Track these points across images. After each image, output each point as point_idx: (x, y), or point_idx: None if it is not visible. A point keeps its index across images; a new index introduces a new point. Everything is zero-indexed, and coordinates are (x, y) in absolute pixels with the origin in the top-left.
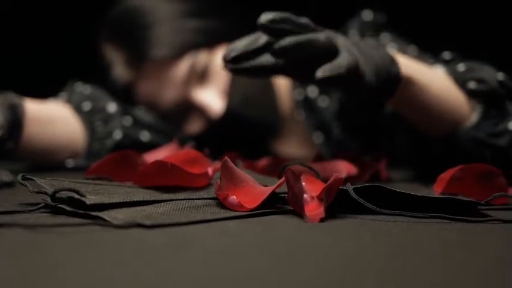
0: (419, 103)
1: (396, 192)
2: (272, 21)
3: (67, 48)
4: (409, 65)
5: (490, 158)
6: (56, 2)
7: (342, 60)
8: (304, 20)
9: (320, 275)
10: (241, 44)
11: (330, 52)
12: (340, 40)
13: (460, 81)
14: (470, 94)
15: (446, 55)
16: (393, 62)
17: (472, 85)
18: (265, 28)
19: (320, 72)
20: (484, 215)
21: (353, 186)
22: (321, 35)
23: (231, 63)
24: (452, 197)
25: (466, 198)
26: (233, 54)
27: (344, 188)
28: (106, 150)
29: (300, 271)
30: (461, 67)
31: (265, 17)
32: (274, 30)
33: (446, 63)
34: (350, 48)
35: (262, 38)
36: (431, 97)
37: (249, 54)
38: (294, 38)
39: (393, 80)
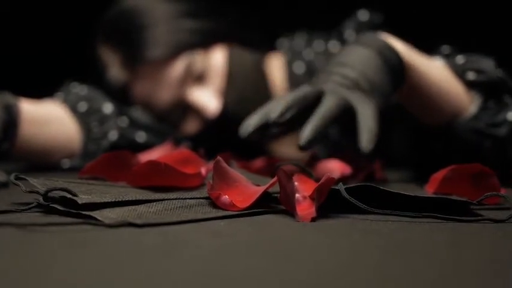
0: (419, 91)
1: (388, 192)
2: (281, 114)
3: (63, 49)
4: (407, 53)
5: (489, 149)
6: (54, 2)
7: (369, 123)
8: (305, 91)
9: (309, 274)
10: (254, 121)
11: (345, 110)
12: (343, 91)
13: (459, 72)
14: (469, 85)
15: (445, 49)
16: (392, 51)
17: (471, 76)
18: (278, 124)
19: (365, 149)
20: (476, 215)
21: (345, 186)
22: (331, 101)
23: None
24: (443, 196)
25: (457, 198)
26: (249, 130)
27: (336, 187)
28: (102, 150)
29: (290, 270)
30: (460, 59)
31: (274, 114)
32: (287, 121)
33: (445, 56)
34: (361, 87)
35: (273, 113)
36: (430, 85)
37: (263, 126)
38: (311, 128)
39: (397, 71)
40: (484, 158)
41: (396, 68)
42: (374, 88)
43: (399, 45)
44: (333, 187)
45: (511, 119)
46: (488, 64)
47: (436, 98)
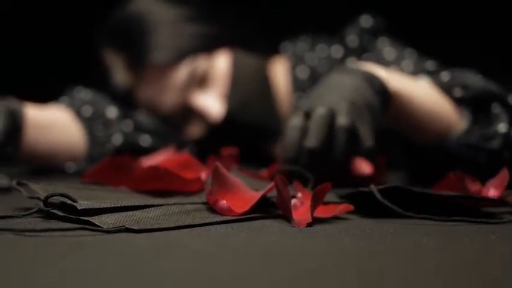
0: (406, 113)
1: (419, 192)
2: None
3: (67, 52)
4: (390, 78)
5: (484, 162)
6: (56, 3)
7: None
8: (321, 118)
9: (294, 278)
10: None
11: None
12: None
13: (446, 89)
14: (457, 101)
15: (430, 66)
16: (375, 77)
17: (457, 92)
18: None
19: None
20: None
21: (377, 187)
22: (343, 123)
23: None
24: (470, 196)
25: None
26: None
27: (367, 190)
28: (106, 155)
29: (276, 274)
30: (445, 76)
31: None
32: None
33: (430, 73)
34: (356, 104)
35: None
36: (417, 106)
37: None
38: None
39: (382, 95)
40: (479, 172)
41: (382, 92)
42: (366, 105)
43: (381, 72)
44: (363, 189)
45: (502, 131)
46: (472, 78)
47: (424, 118)
